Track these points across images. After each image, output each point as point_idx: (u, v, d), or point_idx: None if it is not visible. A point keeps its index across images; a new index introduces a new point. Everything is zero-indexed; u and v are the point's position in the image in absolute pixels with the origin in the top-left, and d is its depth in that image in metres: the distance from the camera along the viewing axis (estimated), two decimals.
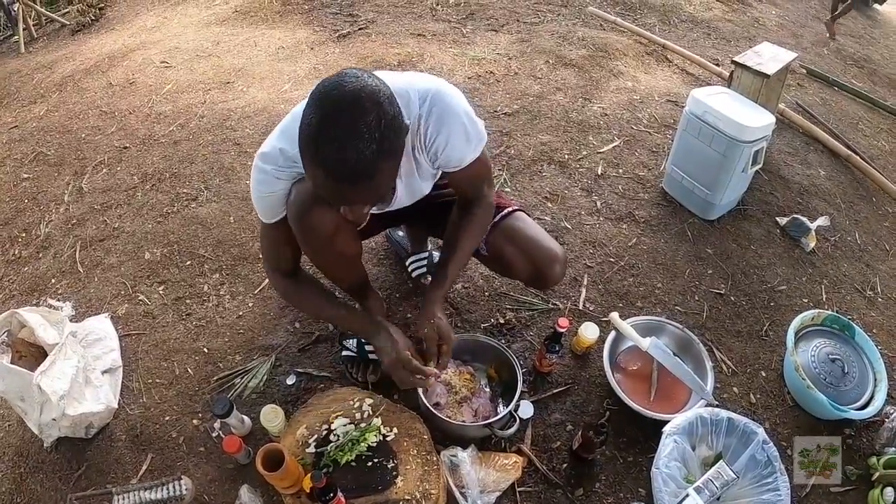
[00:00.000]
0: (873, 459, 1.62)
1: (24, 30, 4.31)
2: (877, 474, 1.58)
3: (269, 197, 1.28)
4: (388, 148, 1.01)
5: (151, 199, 2.45)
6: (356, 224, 1.36)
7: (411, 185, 1.37)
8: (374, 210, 1.47)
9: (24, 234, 2.44)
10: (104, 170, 2.69)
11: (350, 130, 0.97)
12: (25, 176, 2.76)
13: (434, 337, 1.39)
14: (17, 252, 2.36)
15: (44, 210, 2.53)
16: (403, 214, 1.60)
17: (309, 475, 1.22)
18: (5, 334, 1.71)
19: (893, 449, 1.61)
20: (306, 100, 1.26)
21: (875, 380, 1.76)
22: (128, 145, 2.82)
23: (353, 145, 0.97)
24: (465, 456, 1.42)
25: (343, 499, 1.30)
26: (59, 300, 2.08)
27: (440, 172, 1.42)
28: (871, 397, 1.72)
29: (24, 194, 2.65)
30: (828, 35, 4.06)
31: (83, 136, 2.96)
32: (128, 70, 3.49)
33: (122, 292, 2.09)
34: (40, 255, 2.33)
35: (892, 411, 1.71)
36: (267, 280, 2.04)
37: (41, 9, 4.56)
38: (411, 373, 1.34)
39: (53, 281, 2.19)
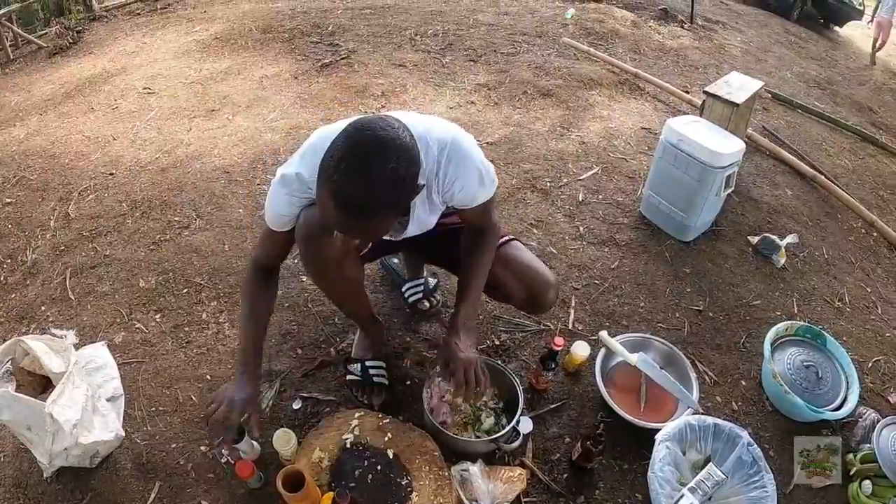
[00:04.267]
0: (850, 456, 1.75)
1: (0, 51, 4.26)
2: (854, 469, 1.71)
3: (278, 214, 1.36)
4: (392, 200, 1.08)
5: (142, 227, 2.46)
6: (359, 250, 1.44)
7: (422, 220, 1.44)
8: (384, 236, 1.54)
9: (9, 261, 2.41)
10: (91, 196, 2.68)
11: (366, 170, 1.03)
12: (8, 201, 2.73)
13: (443, 362, 1.43)
14: (2, 279, 2.33)
15: (29, 236, 2.51)
16: (405, 242, 1.68)
17: (335, 492, 1.26)
18: (9, 363, 1.70)
19: (868, 445, 1.74)
20: (330, 125, 1.33)
21: (847, 383, 1.91)
22: (113, 171, 2.82)
23: (362, 183, 1.03)
24: (475, 470, 1.49)
25: None
26: (55, 328, 2.06)
27: (443, 209, 1.48)
28: (845, 399, 1.86)
29: (7, 219, 2.61)
30: (870, 62, 4.70)
31: (67, 160, 2.94)
32: (109, 95, 3.50)
33: (118, 320, 2.09)
34: (28, 282, 2.30)
35: (864, 411, 1.85)
36: None
37: (18, 30, 4.51)
38: (218, 418, 1.37)
39: (44, 308, 2.17)
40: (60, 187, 2.76)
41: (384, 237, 1.53)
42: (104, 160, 2.92)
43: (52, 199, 2.70)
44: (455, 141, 1.30)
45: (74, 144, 3.08)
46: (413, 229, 1.47)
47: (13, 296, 2.25)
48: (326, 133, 1.32)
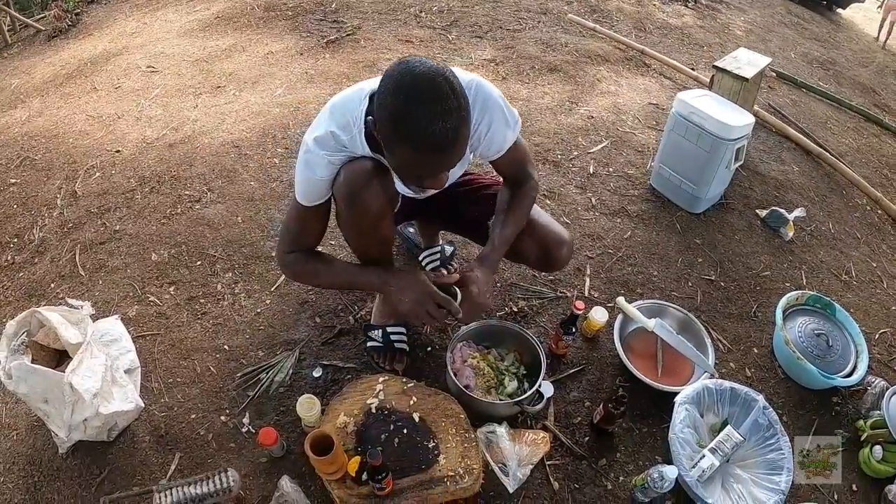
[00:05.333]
0: (861, 422, 1.80)
1: None
2: (865, 435, 1.75)
3: (317, 181, 1.35)
4: (464, 114, 1.12)
5: (152, 202, 2.45)
6: (393, 207, 1.45)
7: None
8: (409, 194, 1.55)
9: (15, 240, 2.39)
10: (97, 173, 2.66)
11: (433, 107, 1.07)
12: (13, 181, 2.71)
13: (455, 283, 1.43)
14: (9, 258, 2.32)
15: (35, 215, 2.49)
16: (425, 206, 1.68)
17: (366, 453, 1.27)
18: (24, 335, 1.69)
19: (878, 412, 1.77)
20: (358, 88, 1.33)
21: (857, 351, 1.94)
22: (120, 149, 2.80)
23: (438, 119, 1.07)
24: (502, 431, 1.50)
25: (391, 479, 1.36)
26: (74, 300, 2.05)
27: (472, 158, 1.50)
28: (855, 367, 1.89)
29: (12, 199, 2.60)
30: (879, 43, 5.05)
31: (71, 140, 2.92)
32: (112, 75, 3.46)
33: (131, 294, 2.08)
34: (36, 260, 2.29)
35: (873, 380, 1.88)
36: (283, 277, 2.08)
37: (16, 14, 4.44)
38: (436, 306, 1.37)
39: (53, 285, 2.16)
40: (66, 166, 2.74)
41: (407, 196, 1.56)
42: (110, 138, 2.90)
43: (57, 178, 2.68)
44: (478, 83, 1.34)
45: (78, 124, 3.05)
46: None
47: (21, 274, 2.24)
48: (347, 93, 1.35)
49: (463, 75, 1.32)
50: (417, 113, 1.07)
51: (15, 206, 2.56)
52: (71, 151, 2.84)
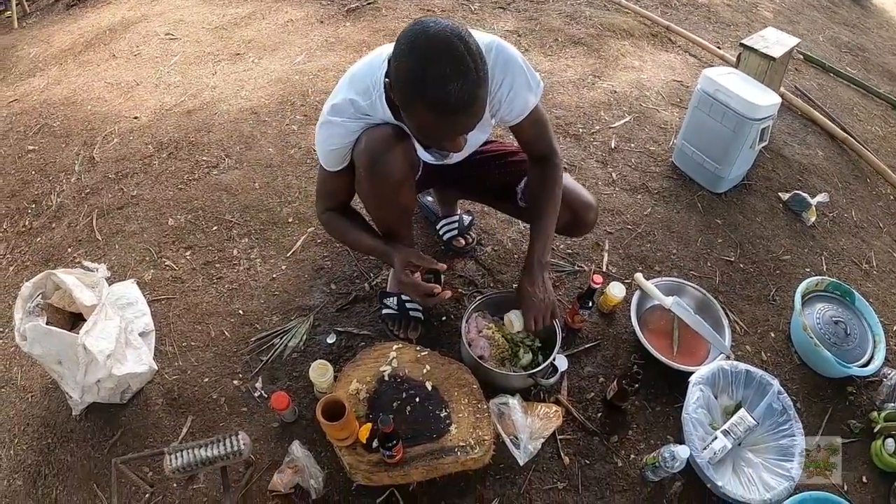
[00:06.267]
0: (874, 414, 1.76)
1: (17, 4, 4.18)
2: (878, 427, 1.72)
3: (334, 149, 1.34)
4: (481, 75, 1.09)
5: (170, 167, 2.45)
6: (416, 175, 1.43)
7: (473, 138, 1.43)
8: (431, 161, 1.53)
9: (33, 206, 2.41)
10: (115, 139, 2.67)
11: (450, 67, 1.04)
12: (31, 148, 2.71)
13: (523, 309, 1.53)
14: (27, 223, 2.33)
15: (53, 181, 2.50)
16: (446, 172, 1.67)
17: (378, 419, 1.27)
18: (39, 296, 1.70)
19: (892, 404, 1.75)
20: (378, 53, 1.31)
21: (874, 341, 1.90)
22: (138, 115, 2.79)
23: (452, 80, 1.05)
24: (515, 403, 1.50)
25: (402, 447, 1.36)
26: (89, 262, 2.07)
27: (494, 123, 1.48)
28: (872, 357, 1.86)
29: (30, 166, 2.60)
30: None
31: (89, 107, 2.91)
32: (131, 42, 3.44)
33: (147, 258, 2.10)
34: (53, 225, 2.30)
35: (889, 371, 1.85)
36: (299, 243, 2.10)
37: None
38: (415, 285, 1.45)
39: (70, 250, 2.17)
40: (84, 132, 2.75)
41: (428, 163, 1.55)
42: (128, 105, 2.89)
43: (75, 145, 2.68)
44: (499, 44, 1.31)
45: (97, 91, 3.04)
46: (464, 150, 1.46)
47: (39, 239, 2.26)
48: (366, 59, 1.33)
49: (483, 37, 1.29)
50: (432, 73, 1.05)
51: (33, 172, 2.57)
52: (89, 118, 2.83)
